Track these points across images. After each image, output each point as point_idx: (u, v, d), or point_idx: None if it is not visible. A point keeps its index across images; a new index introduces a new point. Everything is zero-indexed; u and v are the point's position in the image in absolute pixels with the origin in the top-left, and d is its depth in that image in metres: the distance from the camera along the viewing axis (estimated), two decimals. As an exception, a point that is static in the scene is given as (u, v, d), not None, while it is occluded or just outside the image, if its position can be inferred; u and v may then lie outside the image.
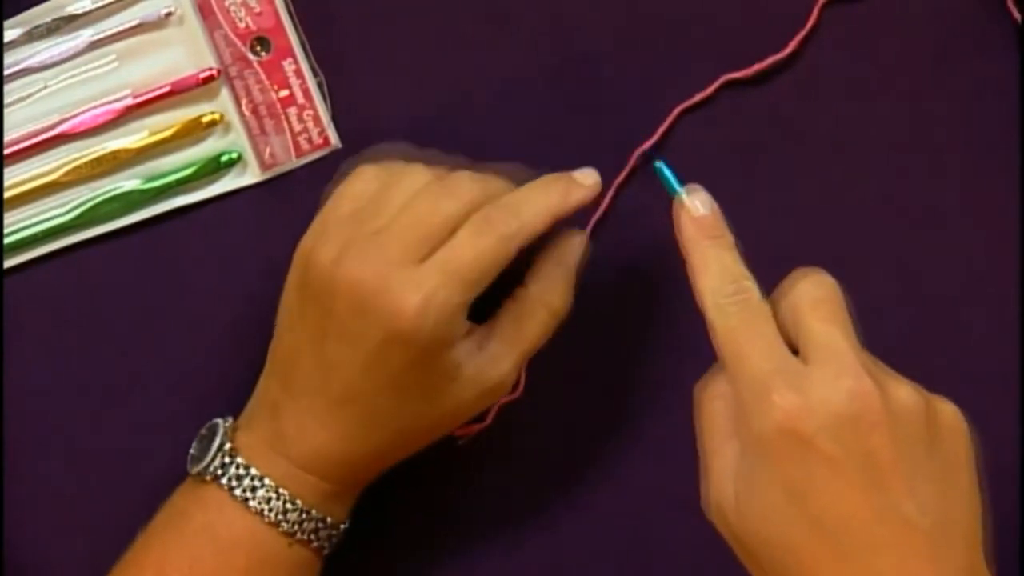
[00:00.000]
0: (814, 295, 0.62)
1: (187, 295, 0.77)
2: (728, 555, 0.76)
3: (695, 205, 0.65)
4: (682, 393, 0.76)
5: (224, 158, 0.77)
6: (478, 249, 0.68)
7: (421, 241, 0.67)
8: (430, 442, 0.72)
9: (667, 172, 0.66)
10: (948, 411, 0.62)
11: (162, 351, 0.77)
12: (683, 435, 0.76)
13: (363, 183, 0.71)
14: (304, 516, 0.69)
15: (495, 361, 0.70)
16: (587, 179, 0.70)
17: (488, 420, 0.76)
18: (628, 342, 0.77)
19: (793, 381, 0.60)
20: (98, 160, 0.76)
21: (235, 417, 0.72)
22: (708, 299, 0.63)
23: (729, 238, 0.64)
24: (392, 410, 0.69)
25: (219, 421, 0.71)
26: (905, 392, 0.60)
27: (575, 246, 0.72)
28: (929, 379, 0.63)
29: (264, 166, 0.77)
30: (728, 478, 0.62)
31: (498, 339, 0.70)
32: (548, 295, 0.71)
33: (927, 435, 0.60)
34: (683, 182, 0.65)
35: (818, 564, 0.59)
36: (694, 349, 0.74)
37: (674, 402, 0.76)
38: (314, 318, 0.69)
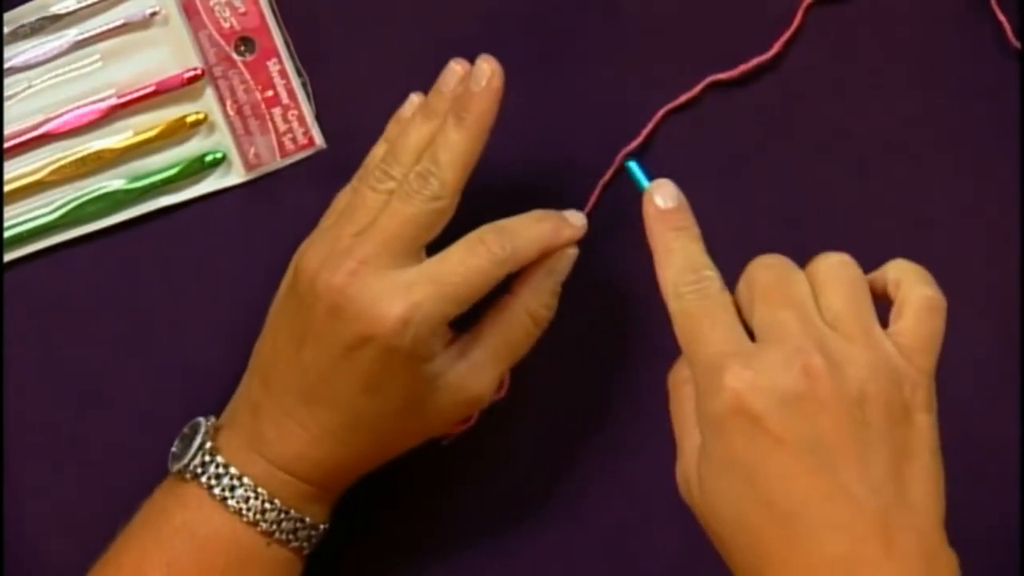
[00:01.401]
0: (764, 281, 0.62)
1: (172, 295, 0.77)
2: (713, 552, 0.76)
3: (662, 198, 0.65)
4: (665, 392, 0.76)
5: (208, 158, 0.76)
6: (468, 267, 0.68)
7: (400, 244, 0.67)
8: (412, 447, 0.72)
9: (636, 170, 0.67)
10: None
11: (148, 350, 0.77)
12: (667, 434, 0.76)
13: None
14: (283, 516, 0.69)
15: (478, 370, 0.70)
16: (576, 220, 0.71)
17: (472, 421, 0.76)
18: (611, 341, 0.77)
19: (745, 362, 0.60)
20: (82, 160, 0.76)
21: (219, 416, 0.72)
22: (669, 287, 0.63)
23: (694, 230, 0.65)
24: (370, 416, 0.69)
25: (201, 420, 0.71)
26: (861, 370, 0.59)
27: (566, 258, 0.71)
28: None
29: (248, 166, 0.77)
30: (693, 459, 0.62)
31: (482, 348, 0.70)
32: (535, 305, 0.71)
33: (886, 412, 0.59)
34: (653, 179, 0.66)
35: (770, 544, 0.59)
36: (678, 348, 0.74)
37: (657, 401, 0.76)
38: (296, 321, 0.69)
